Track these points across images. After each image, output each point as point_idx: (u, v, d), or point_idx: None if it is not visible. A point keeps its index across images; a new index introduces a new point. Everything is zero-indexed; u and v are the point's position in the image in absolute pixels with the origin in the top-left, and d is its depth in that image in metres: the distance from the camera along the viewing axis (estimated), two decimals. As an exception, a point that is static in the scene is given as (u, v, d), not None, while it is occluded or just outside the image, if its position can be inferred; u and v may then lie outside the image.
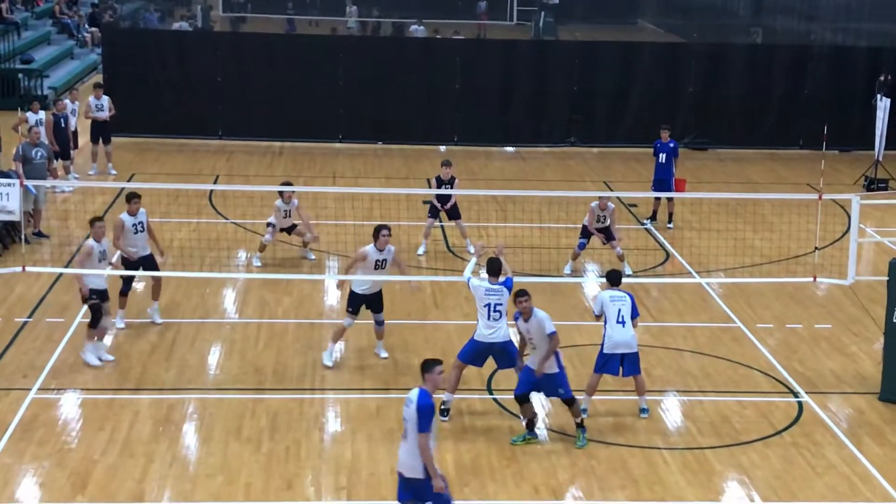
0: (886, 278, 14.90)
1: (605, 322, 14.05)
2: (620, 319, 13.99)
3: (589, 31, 45.08)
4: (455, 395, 14.19)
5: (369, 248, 15.19)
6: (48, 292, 18.08)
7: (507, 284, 14.07)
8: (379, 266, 15.25)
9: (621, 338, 14.00)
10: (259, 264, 19.65)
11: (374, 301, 15.51)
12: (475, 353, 14.02)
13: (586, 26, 47.04)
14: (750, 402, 14.88)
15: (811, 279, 17.19)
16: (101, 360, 15.43)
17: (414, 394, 10.50)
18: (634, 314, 14.13)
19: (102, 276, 15.53)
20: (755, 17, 46.73)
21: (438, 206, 20.43)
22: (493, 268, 14.09)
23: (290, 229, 19.97)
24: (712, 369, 15.92)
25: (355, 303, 15.44)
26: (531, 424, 13.56)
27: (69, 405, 14.28)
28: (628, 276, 18.72)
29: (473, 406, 14.42)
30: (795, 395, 15.18)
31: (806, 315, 18.20)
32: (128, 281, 16.71)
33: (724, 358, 16.32)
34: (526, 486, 12.57)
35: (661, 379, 15.49)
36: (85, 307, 15.75)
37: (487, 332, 13.88)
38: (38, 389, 14.60)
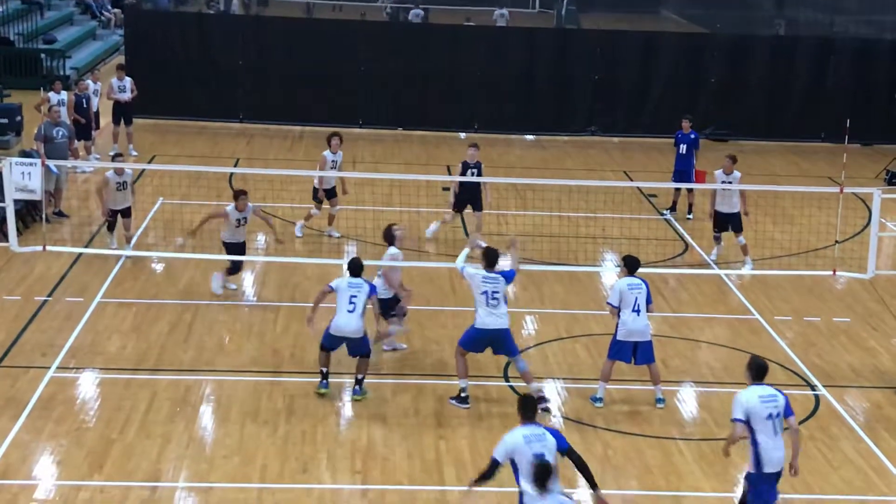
0: (906, 273, 14.86)
1: (620, 310, 14.03)
2: (636, 308, 13.98)
3: (611, 20, 44.93)
4: (470, 382, 14.20)
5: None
6: (68, 271, 18.16)
7: (507, 275, 14.07)
8: (120, 188, 18.24)
9: (635, 326, 14.00)
10: (300, 235, 20.12)
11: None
12: (475, 340, 14.05)
13: (609, 15, 46.89)
14: (767, 395, 14.82)
15: (831, 272, 17.13)
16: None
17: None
18: (648, 301, 14.12)
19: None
20: (778, 9, 46.47)
21: (455, 193, 20.01)
22: (490, 259, 14.10)
23: (330, 192, 20.11)
24: (729, 361, 15.90)
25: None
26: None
27: (87, 384, 14.36)
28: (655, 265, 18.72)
29: (490, 393, 14.43)
30: (813, 388, 15.14)
31: (824, 308, 18.15)
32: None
33: (741, 350, 16.28)
34: (541, 474, 12.54)
35: (678, 370, 15.48)
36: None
37: (488, 319, 13.88)
38: (57, 368, 14.69)
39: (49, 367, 14.67)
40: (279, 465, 12.51)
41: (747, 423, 10.70)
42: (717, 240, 19.96)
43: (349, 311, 13.89)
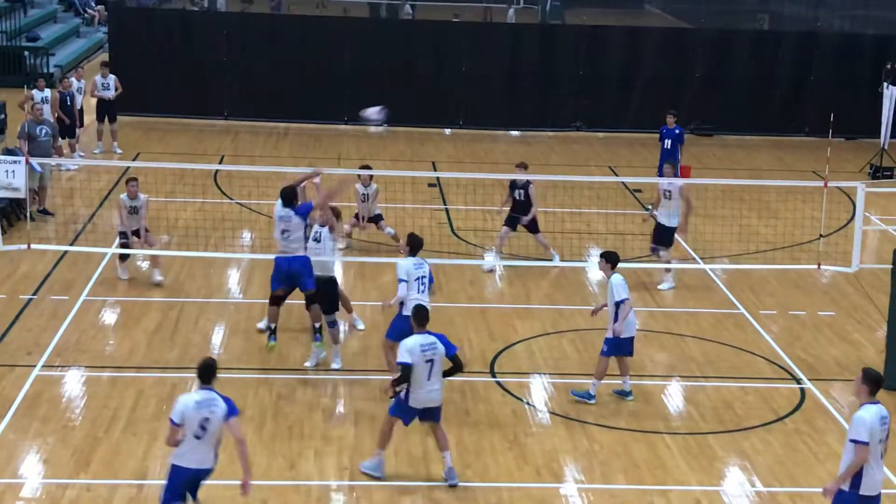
0: (890, 266, 14.92)
1: (618, 308, 14.03)
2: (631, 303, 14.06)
3: (596, 15, 44.98)
4: (455, 378, 14.19)
5: (122, 195, 17.44)
6: (53, 270, 18.11)
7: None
8: (133, 212, 17.42)
9: (632, 320, 14.08)
10: (342, 246, 19.19)
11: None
12: (402, 330, 13.95)
13: (593, 10, 46.93)
14: (752, 388, 14.90)
15: (815, 266, 17.21)
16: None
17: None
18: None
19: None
20: (762, 3, 46.62)
21: (517, 216, 18.98)
22: (415, 245, 14.20)
23: (375, 219, 19.47)
24: (715, 355, 15.95)
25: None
26: None
27: (73, 383, 14.33)
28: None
29: (476, 389, 14.45)
30: (798, 381, 15.20)
31: (809, 302, 18.21)
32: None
33: (726, 344, 16.34)
34: (528, 469, 12.60)
35: (664, 364, 15.52)
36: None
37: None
38: (43, 367, 14.65)
39: (34, 366, 14.63)
40: (266, 461, 12.51)
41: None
42: (655, 251, 18.55)
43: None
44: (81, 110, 25.53)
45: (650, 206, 22.80)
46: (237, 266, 18.70)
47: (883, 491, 10.52)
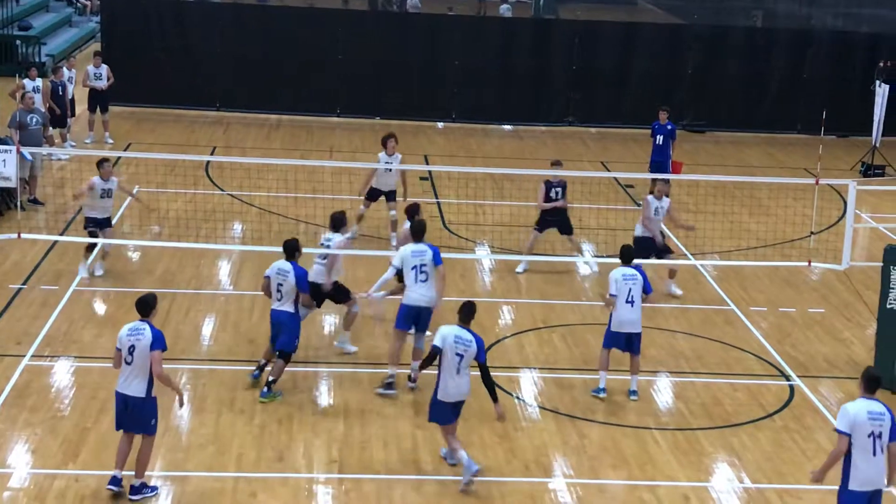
0: (881, 264, 14.94)
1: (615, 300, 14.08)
2: (630, 299, 14.04)
3: (589, 10, 44.92)
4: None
5: (95, 178, 17.00)
6: (43, 259, 18.06)
7: (435, 249, 14.17)
8: (105, 195, 17.07)
9: (627, 317, 14.09)
10: (353, 236, 18.88)
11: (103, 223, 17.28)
12: (405, 317, 14.10)
13: (586, 5, 46.86)
14: (742, 385, 14.93)
15: (806, 263, 17.22)
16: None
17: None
18: (648, 290, 14.23)
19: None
20: (756, 0, 46.58)
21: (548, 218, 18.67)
22: (418, 231, 14.26)
23: (389, 195, 19.05)
24: (705, 351, 15.97)
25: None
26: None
27: (62, 373, 14.30)
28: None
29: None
30: (787, 378, 15.23)
31: (799, 299, 18.24)
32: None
33: (716, 340, 16.36)
34: (517, 464, 12.61)
35: (654, 360, 15.52)
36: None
37: (415, 294, 13.97)
38: (32, 356, 14.62)
39: (24, 356, 14.60)
40: (255, 454, 12.50)
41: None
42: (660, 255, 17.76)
43: (277, 300, 13.85)
44: (73, 100, 25.45)
45: (642, 202, 22.88)
46: (228, 258, 18.67)
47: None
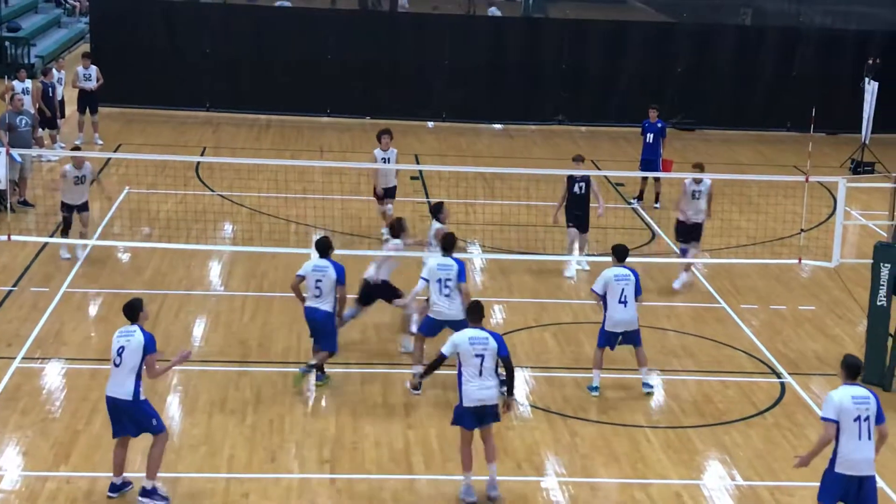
0: (871, 261, 14.97)
1: (607, 300, 14.08)
2: (623, 299, 14.04)
3: (578, 9, 44.93)
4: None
5: (67, 166, 17.83)
6: (33, 261, 18.03)
7: (461, 263, 14.10)
8: (79, 182, 17.72)
9: (621, 317, 14.11)
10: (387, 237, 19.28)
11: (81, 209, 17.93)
12: (430, 326, 14.14)
13: (576, 4, 46.86)
14: (733, 382, 14.95)
15: (796, 261, 17.25)
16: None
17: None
18: (637, 293, 14.18)
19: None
20: (745, -2, 46.64)
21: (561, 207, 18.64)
22: (448, 244, 14.26)
23: (389, 192, 19.30)
24: (696, 349, 15.99)
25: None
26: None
27: (53, 375, 14.28)
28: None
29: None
30: (778, 375, 15.26)
31: (790, 296, 18.27)
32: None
33: (707, 338, 16.39)
34: (509, 463, 12.61)
35: (647, 358, 15.52)
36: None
37: (442, 308, 13.96)
38: (23, 358, 14.59)
39: (14, 358, 14.57)
40: (247, 455, 12.49)
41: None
42: (685, 252, 18.32)
43: (315, 297, 13.85)
44: (63, 101, 25.41)
45: (633, 200, 22.92)
46: (218, 258, 18.65)
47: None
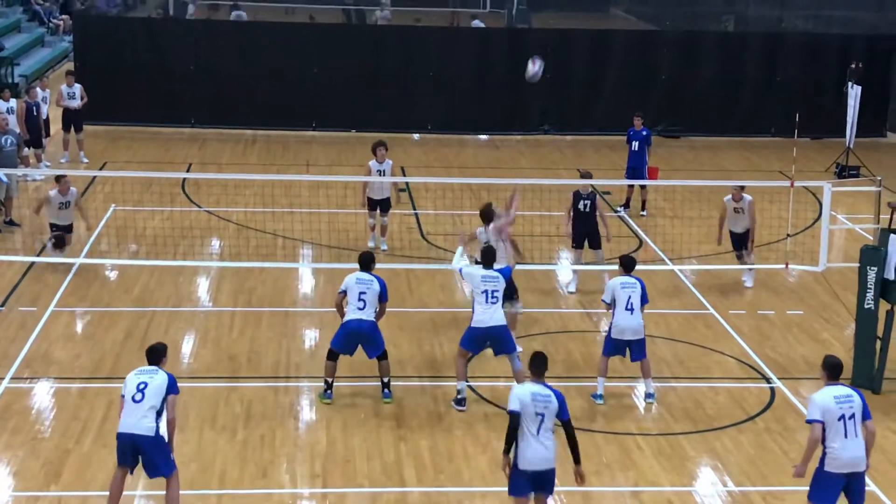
0: (857, 265, 15.02)
1: (614, 308, 14.15)
2: (629, 307, 14.13)
3: (562, 18, 45.09)
4: (426, 382, 14.23)
5: (52, 191, 18.52)
6: (21, 281, 17.98)
7: (505, 273, 14.13)
8: (63, 207, 18.53)
9: (628, 324, 14.16)
10: (385, 248, 19.48)
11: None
12: (472, 339, 14.03)
13: (559, 14, 47.04)
14: (723, 388, 14.97)
15: (783, 266, 17.31)
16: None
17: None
18: (643, 301, 14.27)
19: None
20: (727, 5, 46.82)
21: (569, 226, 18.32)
22: (488, 257, 14.23)
23: (383, 203, 19.39)
24: (685, 355, 16.01)
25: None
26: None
27: (42, 394, 14.23)
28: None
29: (449, 393, 14.43)
30: (768, 380, 15.29)
31: (778, 301, 18.32)
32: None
33: (696, 344, 16.41)
34: (500, 474, 12.56)
35: (635, 365, 15.52)
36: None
37: (484, 316, 13.88)
38: (11, 378, 14.54)
39: (3, 378, 14.52)
40: (238, 470, 12.46)
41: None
42: (740, 258, 18.88)
43: (359, 309, 13.83)
44: (47, 120, 25.38)
45: (619, 208, 22.96)
46: (206, 274, 18.63)
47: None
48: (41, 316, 16.58)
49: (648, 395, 14.43)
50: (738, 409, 14.40)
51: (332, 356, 14.04)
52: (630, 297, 14.14)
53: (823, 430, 10.52)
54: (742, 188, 18.53)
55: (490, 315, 13.83)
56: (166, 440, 11.14)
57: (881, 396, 14.66)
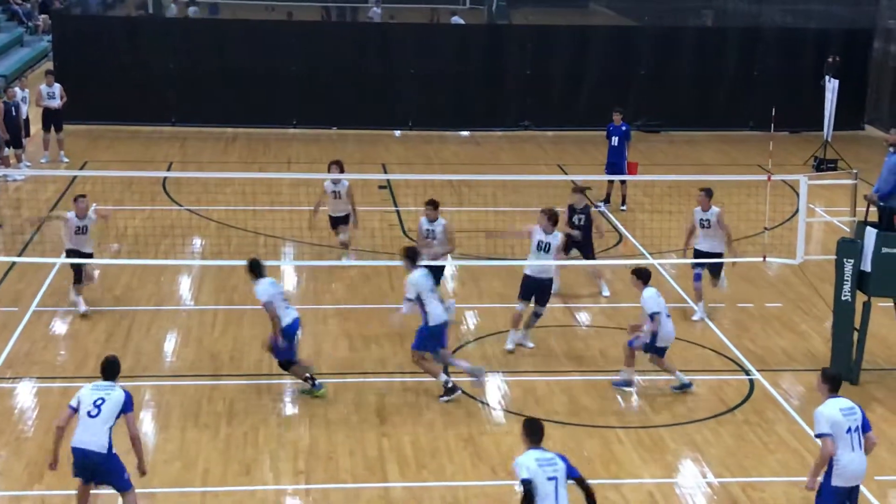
0: (835, 257, 15.15)
1: (661, 315, 14.41)
2: (668, 313, 14.58)
3: (541, 14, 45.15)
4: (408, 379, 14.30)
5: (70, 213, 16.49)
6: (2, 282, 17.97)
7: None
8: (80, 232, 16.40)
9: (668, 331, 14.56)
10: (350, 262, 18.81)
11: None
12: (429, 337, 14.17)
13: (539, 10, 47.08)
14: (702, 381, 15.08)
15: (761, 259, 17.39)
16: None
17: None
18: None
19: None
20: (706, 0, 46.99)
21: (574, 234, 17.77)
22: (412, 255, 14.66)
23: (342, 220, 18.70)
24: (665, 349, 16.10)
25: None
26: None
27: (25, 394, 14.25)
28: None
29: (430, 389, 14.51)
30: (747, 372, 15.41)
31: (757, 294, 18.45)
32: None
33: (676, 337, 16.47)
34: (483, 468, 12.69)
35: (615, 359, 15.63)
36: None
37: (439, 311, 14.19)
38: (-6, 379, 14.56)
39: (-15, 379, 14.54)
40: (221, 468, 12.51)
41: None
42: (698, 277, 17.52)
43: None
44: (27, 120, 25.33)
45: (599, 203, 23.04)
46: (188, 273, 18.66)
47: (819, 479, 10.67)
48: (23, 316, 16.59)
49: (686, 385, 14.66)
50: (717, 401, 14.52)
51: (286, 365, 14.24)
52: (664, 303, 14.53)
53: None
54: (710, 195, 17.49)
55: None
56: (118, 457, 10.88)
57: (859, 387, 14.80)
